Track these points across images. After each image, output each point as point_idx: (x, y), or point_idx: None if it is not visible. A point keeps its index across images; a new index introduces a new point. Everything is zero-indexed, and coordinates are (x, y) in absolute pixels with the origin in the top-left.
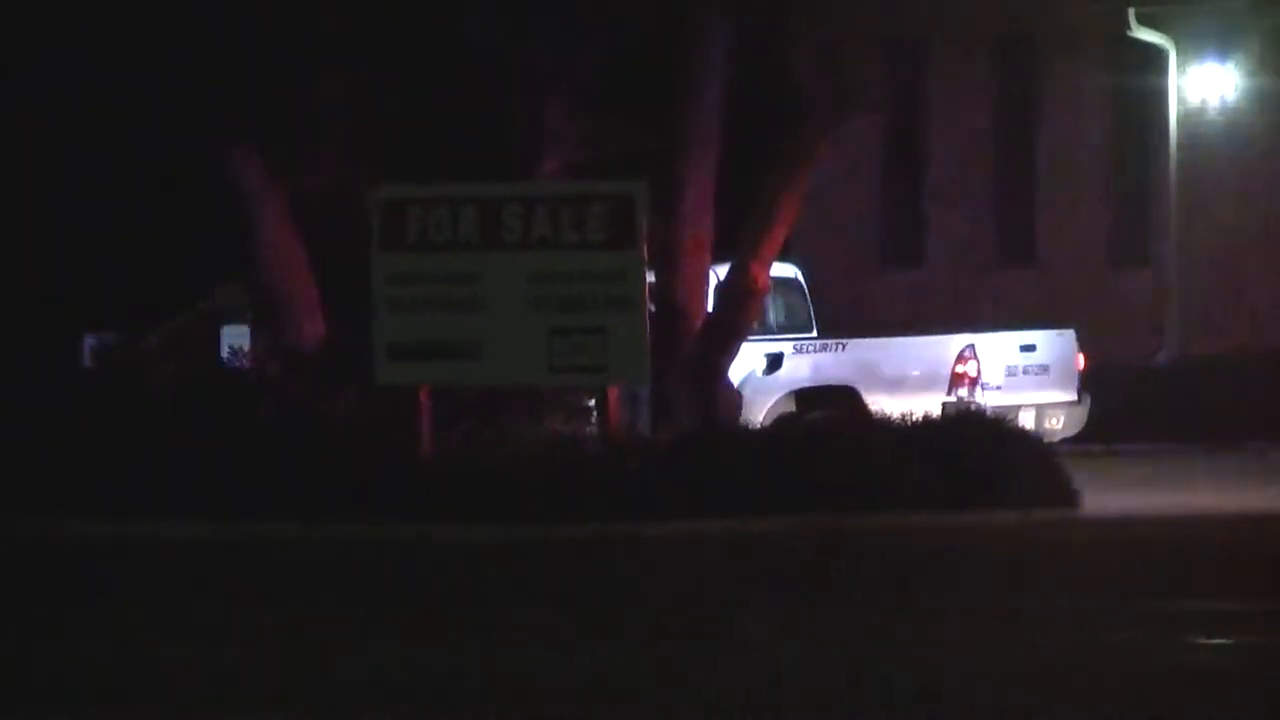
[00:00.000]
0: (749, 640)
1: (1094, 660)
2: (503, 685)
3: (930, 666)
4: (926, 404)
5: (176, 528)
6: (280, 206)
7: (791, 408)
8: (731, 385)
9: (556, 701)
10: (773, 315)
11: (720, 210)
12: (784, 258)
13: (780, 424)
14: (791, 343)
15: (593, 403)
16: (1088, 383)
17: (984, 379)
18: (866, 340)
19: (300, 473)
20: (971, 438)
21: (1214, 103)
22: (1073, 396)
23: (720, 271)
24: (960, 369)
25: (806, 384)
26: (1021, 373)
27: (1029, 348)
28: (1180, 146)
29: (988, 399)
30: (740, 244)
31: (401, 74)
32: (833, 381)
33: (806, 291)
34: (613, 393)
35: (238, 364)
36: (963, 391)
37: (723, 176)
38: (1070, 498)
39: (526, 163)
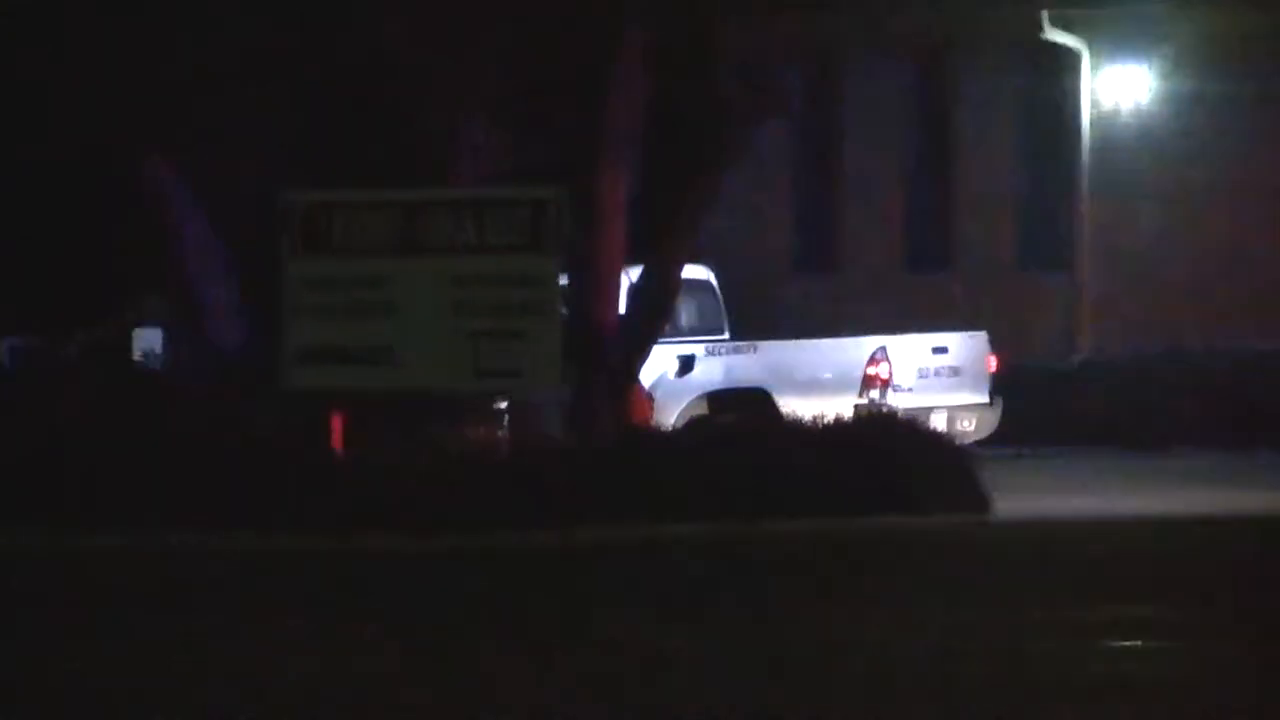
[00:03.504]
0: (638, 651)
1: (1003, 665)
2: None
3: (822, 674)
4: (839, 406)
5: (87, 538)
6: (197, 211)
7: (704, 410)
8: (644, 388)
9: None
10: (685, 318)
11: (633, 212)
12: (697, 260)
13: (692, 427)
14: (704, 345)
15: (506, 407)
16: (1001, 385)
17: (896, 381)
18: (778, 343)
19: (213, 480)
20: (883, 440)
21: (1128, 105)
22: (985, 399)
23: (633, 274)
24: (872, 371)
25: (719, 386)
26: (933, 375)
27: (941, 350)
28: (1094, 149)
29: (900, 401)
30: (653, 247)
31: (319, 82)
32: (745, 384)
33: (719, 293)
34: (527, 397)
35: (151, 366)
36: (875, 394)
37: (636, 178)
38: (982, 501)
39: (442, 171)
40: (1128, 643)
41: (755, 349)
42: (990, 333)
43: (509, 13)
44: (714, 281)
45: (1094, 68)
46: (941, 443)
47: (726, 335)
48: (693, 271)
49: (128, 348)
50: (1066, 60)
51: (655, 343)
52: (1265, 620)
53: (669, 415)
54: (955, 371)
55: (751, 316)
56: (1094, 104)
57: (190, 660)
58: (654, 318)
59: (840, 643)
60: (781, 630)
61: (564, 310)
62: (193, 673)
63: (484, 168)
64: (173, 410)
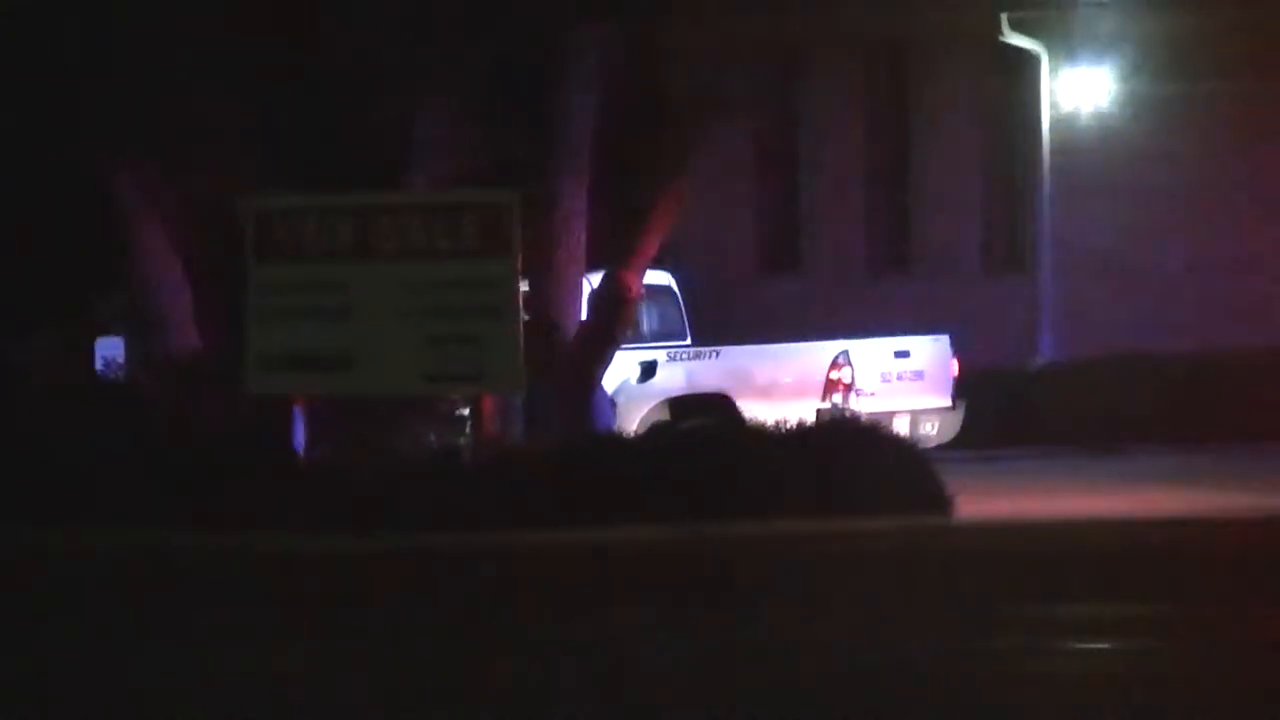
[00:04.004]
0: (590, 650)
1: (965, 666)
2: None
3: (787, 674)
4: (801, 411)
5: (49, 538)
6: (156, 216)
7: (665, 415)
8: (605, 393)
9: None
10: (647, 323)
11: (595, 217)
12: (659, 265)
13: (654, 432)
14: (665, 350)
15: (467, 412)
16: (963, 388)
17: (858, 385)
18: (740, 348)
19: (172, 483)
20: (846, 444)
21: (1087, 108)
22: (947, 402)
23: (594, 279)
24: (834, 375)
25: (680, 392)
26: (896, 379)
27: (903, 354)
28: (1053, 152)
29: (862, 405)
30: (614, 252)
31: (277, 85)
32: (707, 389)
33: (680, 299)
34: (487, 401)
35: (113, 375)
36: (837, 398)
37: (597, 183)
38: (944, 504)
39: (401, 173)
40: (1088, 644)
41: (717, 354)
42: (952, 336)
43: (468, 14)
44: (675, 287)
45: (1053, 71)
46: (903, 446)
47: (688, 340)
48: (654, 277)
49: (89, 354)
50: (1026, 63)
51: (616, 348)
52: (1226, 619)
53: (631, 421)
54: (918, 375)
55: (714, 321)
56: (1053, 106)
57: (146, 657)
58: (615, 323)
59: (801, 644)
60: (737, 632)
61: (525, 315)
62: (146, 669)
63: (444, 171)
64: (133, 414)
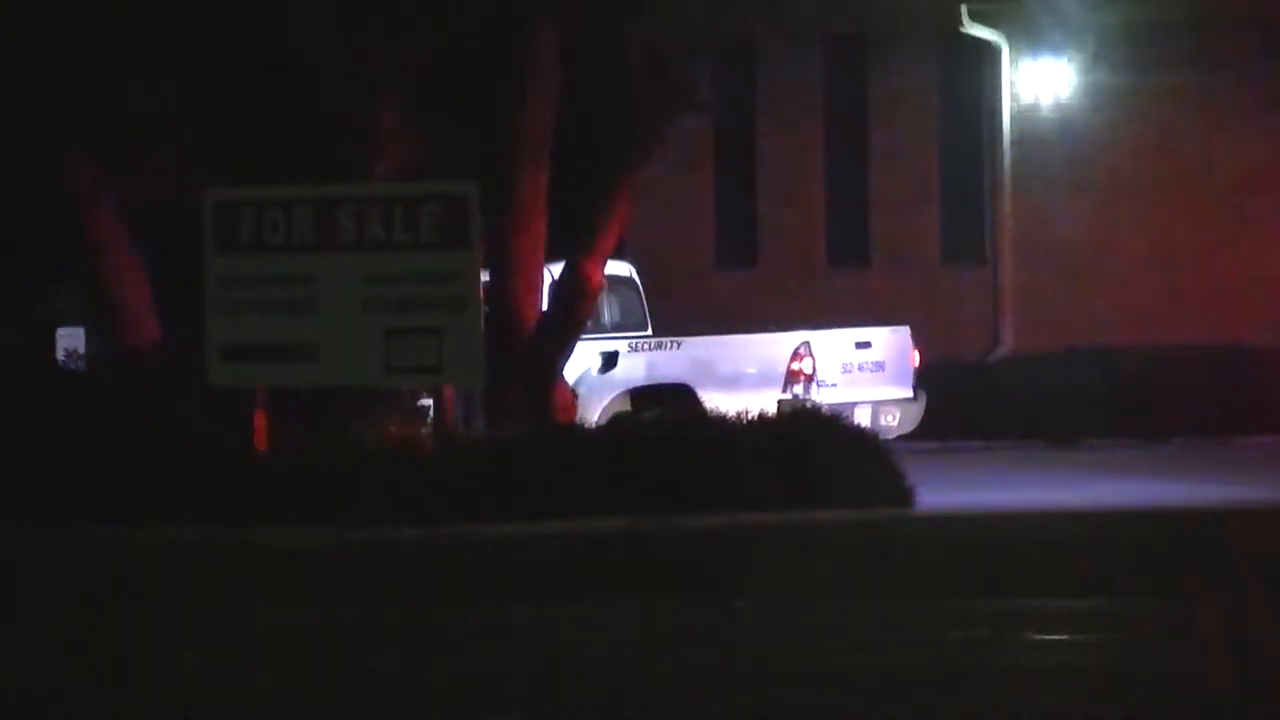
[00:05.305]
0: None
1: (929, 658)
2: None
3: (751, 667)
4: (762, 402)
5: (6, 533)
6: (113, 209)
7: (627, 406)
8: (566, 384)
9: None
10: (607, 314)
11: (554, 209)
12: (619, 256)
13: (615, 423)
14: (626, 341)
15: (428, 403)
16: (924, 379)
17: (819, 376)
18: (701, 338)
19: (132, 475)
20: (806, 436)
21: (1047, 99)
22: (908, 393)
23: (555, 270)
24: (795, 366)
25: (642, 383)
26: (857, 369)
27: (864, 344)
28: (1014, 143)
29: (823, 396)
30: (574, 243)
31: (235, 77)
32: (668, 380)
33: (641, 290)
34: (448, 393)
35: (73, 366)
36: (798, 389)
37: (556, 175)
38: (905, 496)
39: (360, 166)
40: (1047, 636)
41: (678, 345)
42: (912, 327)
43: (426, 6)
44: (636, 277)
45: (1013, 61)
46: (864, 437)
47: (649, 331)
48: (615, 268)
49: (50, 347)
50: (985, 54)
51: (577, 339)
52: (1182, 612)
53: (592, 411)
54: (879, 366)
55: (674, 312)
56: (1014, 98)
57: (101, 653)
58: (576, 314)
59: (763, 639)
60: (699, 625)
61: (486, 307)
62: (95, 666)
63: (404, 163)
64: (93, 407)
